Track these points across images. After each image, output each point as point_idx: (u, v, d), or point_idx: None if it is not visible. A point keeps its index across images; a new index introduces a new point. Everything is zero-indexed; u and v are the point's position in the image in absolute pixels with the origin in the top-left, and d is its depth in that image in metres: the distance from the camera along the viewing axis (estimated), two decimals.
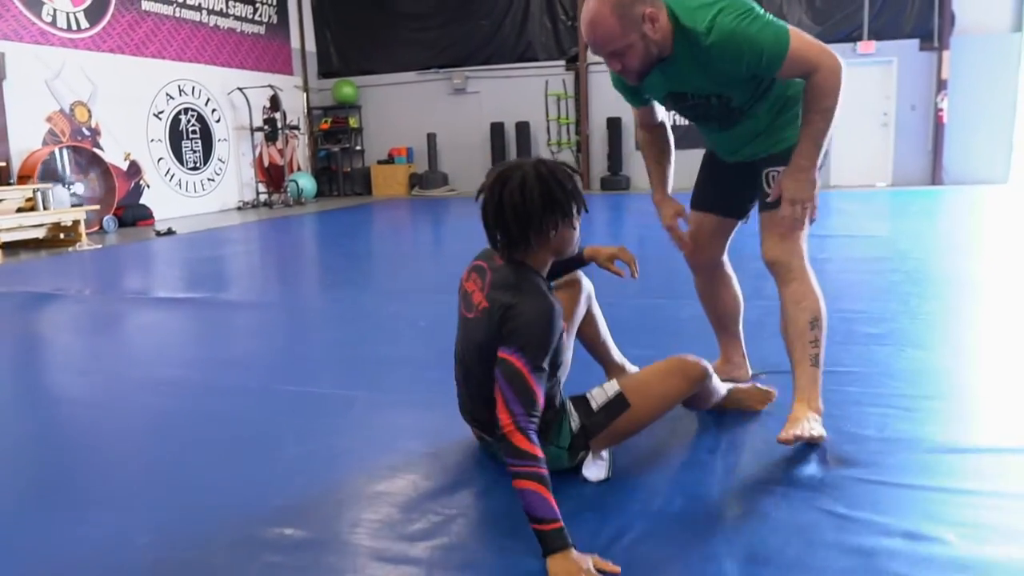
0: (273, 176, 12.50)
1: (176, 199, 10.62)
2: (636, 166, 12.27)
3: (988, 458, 1.94)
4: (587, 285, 2.19)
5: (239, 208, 11.64)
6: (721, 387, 2.04)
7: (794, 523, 1.62)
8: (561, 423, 1.83)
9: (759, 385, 2.29)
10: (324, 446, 2.17)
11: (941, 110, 11.05)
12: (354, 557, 1.58)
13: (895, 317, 3.40)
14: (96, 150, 9.18)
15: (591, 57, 12.23)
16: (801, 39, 1.85)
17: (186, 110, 10.81)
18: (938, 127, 11.15)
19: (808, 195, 1.98)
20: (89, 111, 9.28)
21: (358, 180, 13.63)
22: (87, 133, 9.25)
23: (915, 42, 11.07)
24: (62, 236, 7.63)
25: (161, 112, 10.39)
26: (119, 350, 3.61)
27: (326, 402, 2.55)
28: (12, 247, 7.39)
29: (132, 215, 9.49)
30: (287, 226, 9.18)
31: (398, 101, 13.25)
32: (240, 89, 11.57)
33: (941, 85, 10.98)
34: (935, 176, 11.27)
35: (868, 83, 11.36)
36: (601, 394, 1.86)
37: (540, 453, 1.52)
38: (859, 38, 11.21)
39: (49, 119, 8.76)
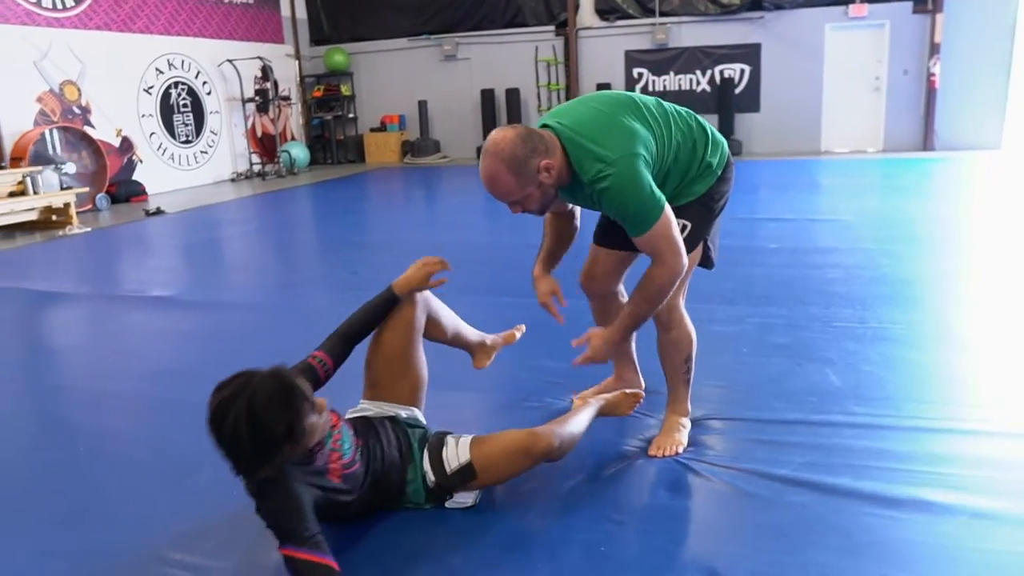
0: (266, 146, 12.62)
1: (169, 173, 10.80)
2: None
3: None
4: (420, 300, 2.24)
5: (233, 180, 11.81)
6: (577, 434, 2.20)
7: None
8: (408, 485, 2.03)
9: (627, 390, 2.60)
10: None
11: (933, 75, 10.93)
12: None
13: (808, 325, 3.56)
14: (86, 128, 9.34)
15: (581, 22, 12.15)
16: (666, 228, 1.99)
17: (176, 84, 10.92)
18: (930, 92, 11.05)
19: (603, 359, 2.19)
20: (79, 89, 9.41)
21: (351, 148, 13.73)
22: (78, 112, 9.41)
23: (908, 4, 10.90)
24: (54, 218, 7.85)
25: (151, 87, 10.50)
26: (68, 356, 3.82)
27: None
28: (8, 230, 7.64)
29: (125, 191, 9.70)
30: (279, 201, 9.36)
31: (389, 68, 13.26)
32: (230, 61, 11.63)
33: (934, 49, 10.85)
34: (927, 141, 11.21)
35: (860, 47, 11.24)
36: (454, 458, 2.02)
37: (327, 561, 1.63)
38: (851, 1, 11.05)
39: (39, 99, 8.92)
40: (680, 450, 2.34)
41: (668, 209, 2.01)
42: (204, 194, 10.16)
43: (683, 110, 2.24)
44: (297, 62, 13.26)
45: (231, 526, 2.04)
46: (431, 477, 2.03)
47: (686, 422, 2.45)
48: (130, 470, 2.46)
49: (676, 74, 11.98)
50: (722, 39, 11.64)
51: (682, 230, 2.09)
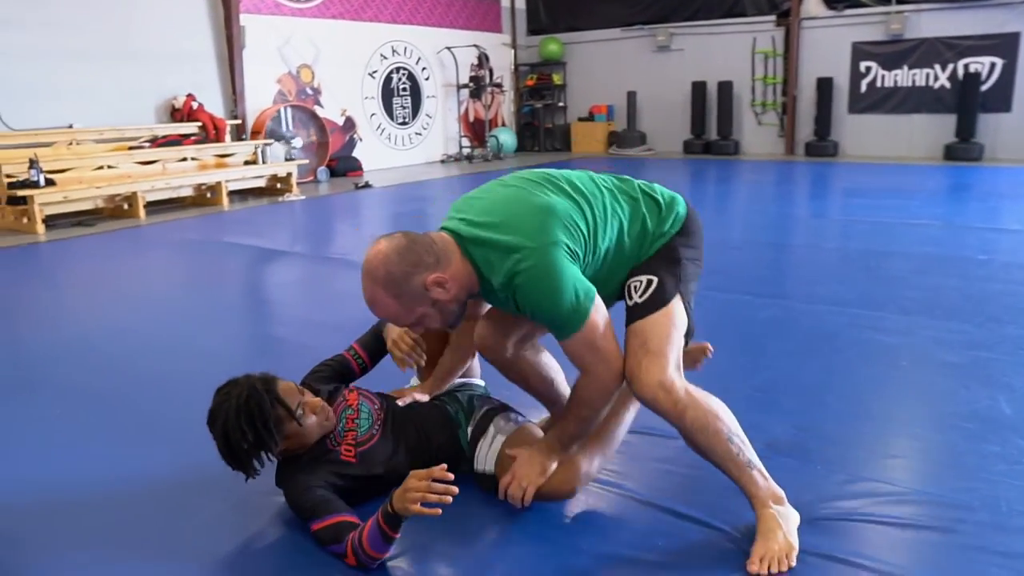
0: (477, 131, 13.15)
1: (385, 152, 11.61)
2: (846, 130, 11.35)
3: None
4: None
5: (442, 161, 12.45)
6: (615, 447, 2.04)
7: None
8: (464, 449, 2.05)
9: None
10: None
11: None
12: None
13: (993, 345, 3.09)
14: (316, 107, 10.28)
15: (805, 11, 11.37)
16: (592, 334, 1.68)
17: (398, 69, 11.68)
18: None
19: (533, 478, 1.85)
20: (313, 72, 10.38)
21: (558, 136, 13.91)
22: (310, 92, 10.38)
23: None
24: (278, 186, 8.75)
25: (375, 71, 11.32)
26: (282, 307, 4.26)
27: None
28: (242, 194, 8.63)
29: (344, 166, 10.56)
30: (478, 182, 9.72)
31: (601, 58, 13.24)
32: (449, 48, 12.23)
33: None
34: None
35: None
36: (483, 460, 2.01)
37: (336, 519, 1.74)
38: None
39: (279, 81, 9.95)
40: (793, 560, 1.68)
41: (596, 310, 1.68)
42: (414, 172, 10.82)
43: (625, 178, 1.89)
44: (513, 51, 13.66)
45: None
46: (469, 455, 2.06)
47: (785, 511, 1.77)
48: None
49: (910, 68, 10.83)
50: (971, 29, 10.33)
51: (646, 287, 1.76)
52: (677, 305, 1.77)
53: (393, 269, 1.64)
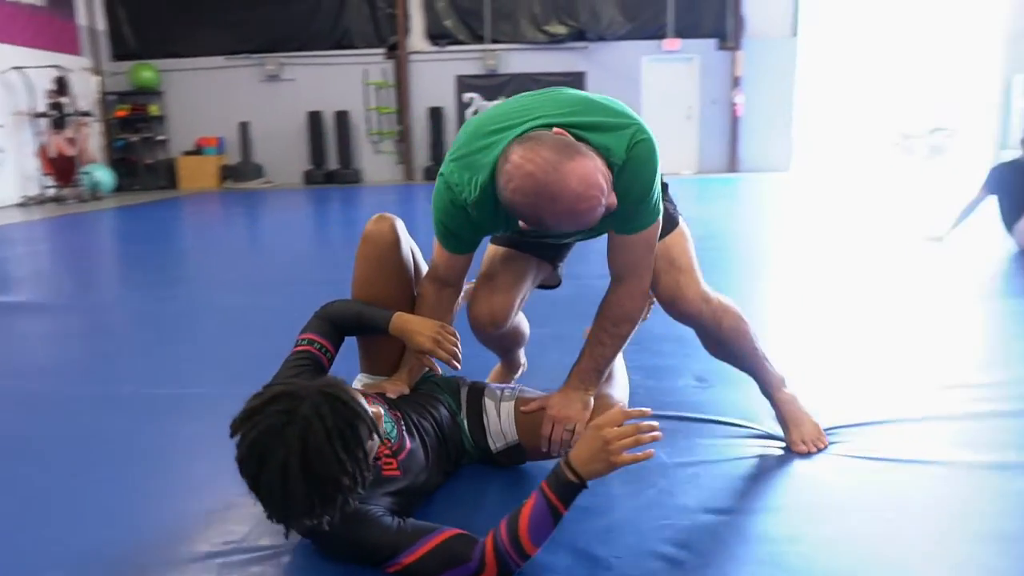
0: (62, 168, 11.20)
1: None
2: None
3: None
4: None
5: (21, 204, 10.35)
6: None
7: None
8: (464, 442, 1.80)
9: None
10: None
11: (736, 104, 12.02)
12: None
13: None
14: None
15: (412, 46, 12.09)
16: (656, 234, 1.65)
17: None
18: (734, 120, 12.13)
19: (577, 415, 1.71)
20: None
21: (162, 172, 12.58)
22: None
23: (714, 42, 11.96)
24: None
25: None
26: None
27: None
28: None
29: None
30: (78, 224, 8.29)
31: (206, 88, 12.37)
32: (17, 68, 10.26)
33: (736, 82, 11.94)
34: (732, 164, 12.26)
35: (674, 78, 12.12)
36: (499, 435, 1.78)
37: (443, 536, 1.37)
38: (664, 36, 11.92)
39: None
40: (825, 439, 1.93)
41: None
42: None
43: None
44: (98, 78, 12.00)
45: None
46: (472, 444, 1.80)
47: (793, 395, 1.99)
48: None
49: (507, 99, 12.21)
50: (550, 67, 12.06)
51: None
52: (684, 224, 1.84)
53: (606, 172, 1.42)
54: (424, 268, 1.90)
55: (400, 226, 1.82)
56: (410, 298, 1.83)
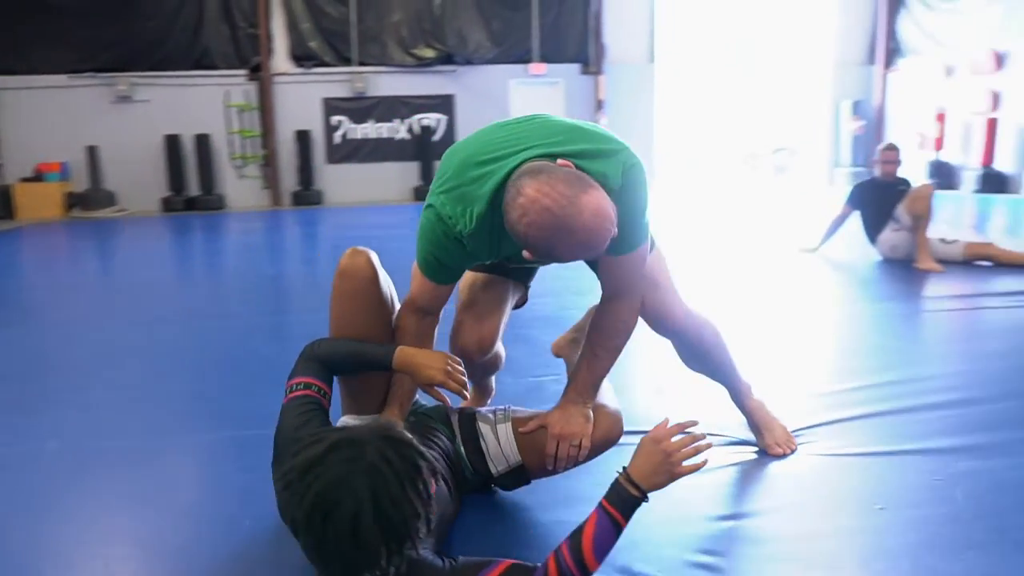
0: None
1: None
2: (328, 179, 12.04)
3: None
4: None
5: None
6: None
7: None
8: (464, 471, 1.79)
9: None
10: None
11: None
12: None
13: None
14: None
15: (276, 67, 11.73)
16: (647, 251, 1.71)
17: None
18: None
19: (581, 430, 1.73)
20: None
21: None
22: None
23: (577, 66, 12.43)
24: None
25: None
26: None
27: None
28: None
29: None
30: None
31: (46, 108, 11.38)
32: None
33: (599, 105, 12.47)
34: None
35: (541, 101, 12.44)
36: (500, 458, 1.78)
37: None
38: (530, 60, 12.27)
39: None
40: (795, 441, 2.15)
41: None
42: None
43: None
44: None
45: None
46: (472, 471, 1.79)
47: (762, 402, 2.19)
48: None
49: (376, 122, 12.12)
50: (419, 89, 12.09)
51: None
52: (659, 246, 1.95)
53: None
54: (398, 301, 1.87)
55: (375, 259, 1.79)
56: (390, 333, 1.79)
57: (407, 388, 1.79)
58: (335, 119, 12.04)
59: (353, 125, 12.08)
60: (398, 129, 12.19)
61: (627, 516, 1.37)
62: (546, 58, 12.31)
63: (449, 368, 1.68)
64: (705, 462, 1.41)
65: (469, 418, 1.85)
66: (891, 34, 12.58)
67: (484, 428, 1.81)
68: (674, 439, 1.38)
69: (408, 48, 11.96)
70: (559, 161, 1.47)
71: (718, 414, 2.30)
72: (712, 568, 1.54)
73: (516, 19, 12.16)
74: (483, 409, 1.90)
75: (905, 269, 4.85)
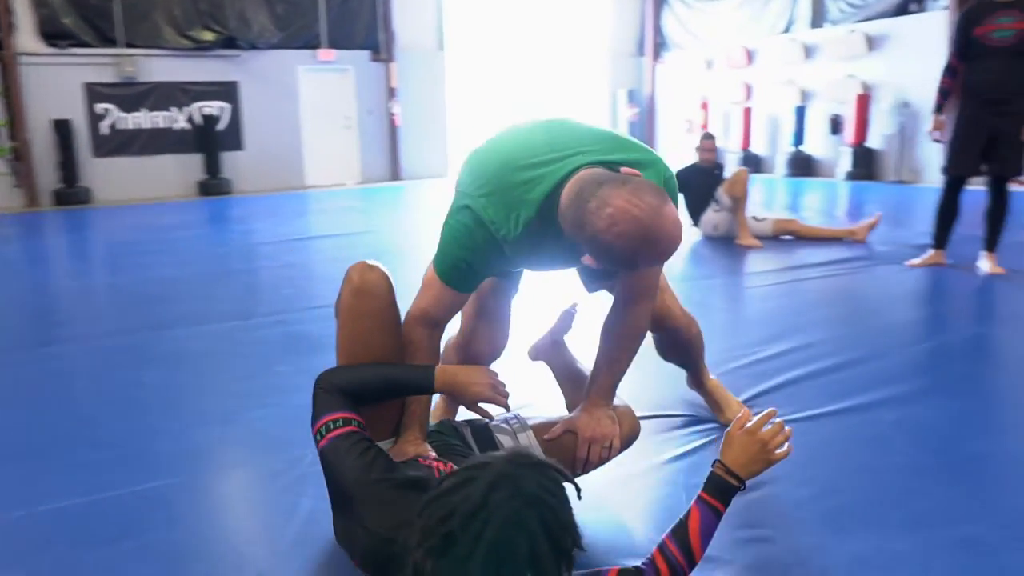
0: None
1: None
2: (96, 175, 10.74)
3: None
4: None
5: None
6: None
7: None
8: None
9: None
10: None
11: (394, 114, 12.41)
12: None
13: None
14: None
15: (22, 46, 10.21)
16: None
17: None
18: (393, 130, 12.51)
19: (611, 431, 1.77)
20: None
21: None
22: None
23: (367, 53, 12.17)
24: None
25: None
26: None
27: None
28: None
29: None
30: None
31: None
32: None
33: (392, 93, 12.33)
34: (395, 172, 12.64)
35: (331, 89, 12.07)
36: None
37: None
38: (318, 46, 11.80)
39: None
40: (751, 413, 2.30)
41: None
42: None
43: None
44: None
45: None
46: None
47: (717, 380, 2.40)
48: None
49: (151, 111, 11.00)
50: (200, 76, 11.16)
51: None
52: None
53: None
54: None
55: (389, 274, 1.69)
56: (399, 352, 1.70)
57: (424, 409, 1.71)
58: (100, 107, 10.77)
59: (123, 114, 10.88)
60: (176, 118, 11.17)
61: (727, 505, 1.43)
62: (335, 44, 11.93)
63: (494, 382, 1.65)
64: (791, 448, 1.50)
65: (483, 431, 1.80)
66: (657, 29, 13.73)
67: (504, 440, 1.77)
68: (763, 430, 1.46)
69: (183, 30, 10.98)
70: (625, 170, 1.47)
71: (664, 394, 2.46)
72: (761, 539, 1.66)
73: (302, 2, 11.65)
74: (494, 421, 1.86)
75: (727, 246, 5.37)
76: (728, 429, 1.50)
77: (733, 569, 1.58)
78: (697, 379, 2.34)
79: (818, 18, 11.29)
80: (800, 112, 11.21)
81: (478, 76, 13.28)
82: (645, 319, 1.82)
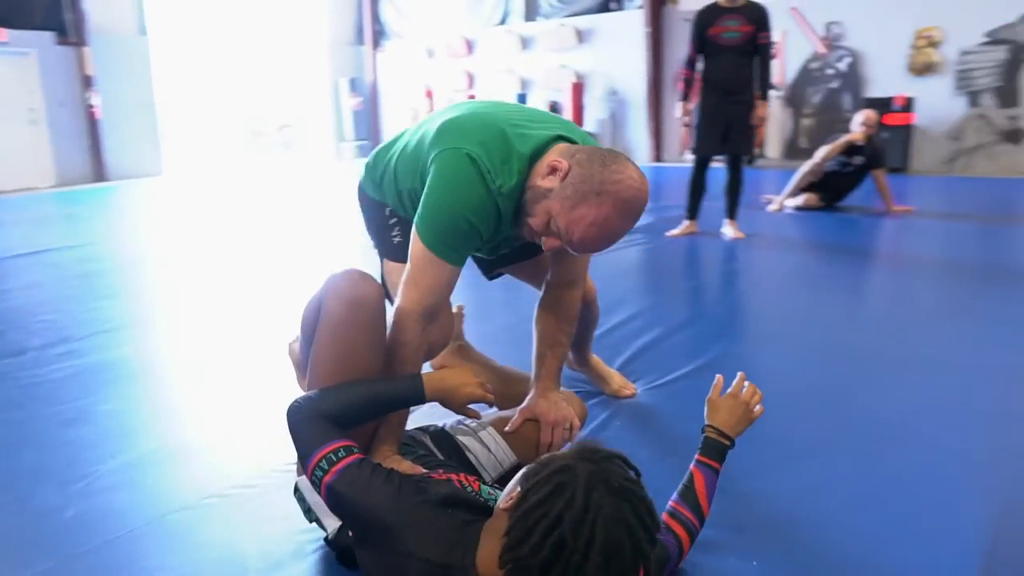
0: None
1: None
2: None
3: None
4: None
5: None
6: None
7: None
8: None
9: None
10: None
11: (93, 106, 10.96)
12: None
13: None
14: None
15: None
16: None
17: None
18: (92, 123, 11.05)
19: (569, 412, 1.83)
20: None
21: None
22: None
23: (51, 35, 10.57)
24: None
25: None
26: None
27: None
28: None
29: None
30: None
31: None
32: None
33: (88, 81, 10.86)
34: (99, 172, 11.20)
35: (8, 76, 10.32)
36: (494, 465, 1.76)
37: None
38: None
39: None
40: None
41: None
42: None
43: None
44: None
45: None
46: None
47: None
48: None
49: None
50: None
51: None
52: None
53: None
54: None
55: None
56: (382, 369, 1.60)
57: (399, 420, 1.64)
58: None
59: None
60: None
61: (723, 463, 1.59)
62: (7, 23, 10.19)
63: (480, 379, 1.62)
64: (763, 407, 1.67)
65: (442, 435, 1.78)
66: (375, 17, 13.69)
67: (466, 440, 1.77)
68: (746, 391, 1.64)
69: None
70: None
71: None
72: (761, 514, 1.84)
73: None
74: (447, 424, 1.84)
75: None
76: (709, 395, 1.66)
77: None
78: (584, 356, 2.45)
79: (531, 12, 12.09)
80: (522, 99, 11.94)
81: (190, 66, 12.22)
82: (579, 301, 1.92)
